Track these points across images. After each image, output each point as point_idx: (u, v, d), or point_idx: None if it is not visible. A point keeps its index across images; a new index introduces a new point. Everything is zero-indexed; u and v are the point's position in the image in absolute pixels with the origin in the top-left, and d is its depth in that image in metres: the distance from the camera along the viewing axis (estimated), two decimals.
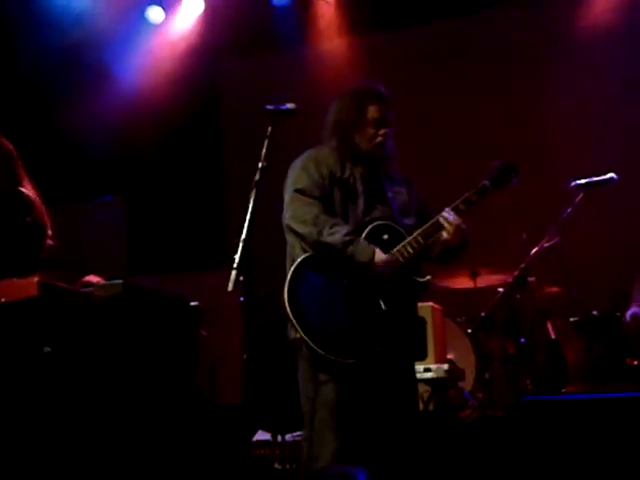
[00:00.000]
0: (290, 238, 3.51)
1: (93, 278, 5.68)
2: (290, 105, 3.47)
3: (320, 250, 3.39)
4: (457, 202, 3.49)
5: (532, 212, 6.16)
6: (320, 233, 3.37)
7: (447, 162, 6.56)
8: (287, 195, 3.51)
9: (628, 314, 4.71)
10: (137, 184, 7.97)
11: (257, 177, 3.28)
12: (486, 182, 3.56)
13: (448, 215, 3.44)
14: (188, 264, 7.44)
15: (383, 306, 3.39)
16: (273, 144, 3.37)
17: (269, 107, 3.39)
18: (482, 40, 7.02)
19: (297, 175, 3.53)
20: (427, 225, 3.48)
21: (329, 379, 3.32)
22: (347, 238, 3.37)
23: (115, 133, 7.62)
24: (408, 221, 3.57)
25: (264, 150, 3.33)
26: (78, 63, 7.36)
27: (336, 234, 3.36)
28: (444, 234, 3.45)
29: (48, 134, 7.47)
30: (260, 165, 3.30)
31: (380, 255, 3.37)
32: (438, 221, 3.46)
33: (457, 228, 3.42)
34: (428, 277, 3.51)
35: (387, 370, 3.41)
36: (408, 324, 3.50)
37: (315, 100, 3.86)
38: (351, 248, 3.36)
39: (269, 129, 3.38)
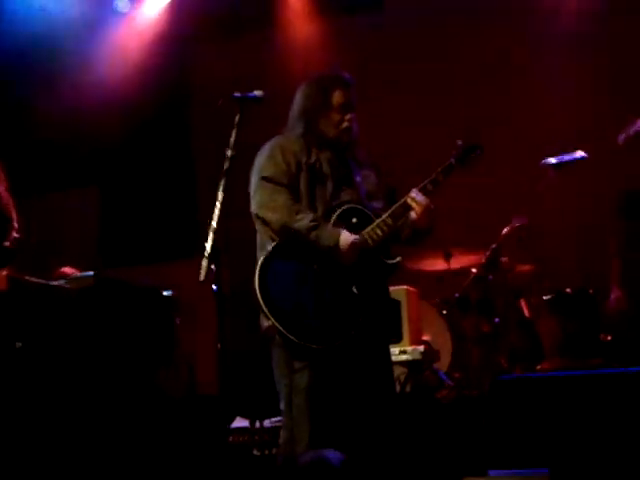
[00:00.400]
0: (258, 226, 3.50)
1: (68, 270, 5.64)
2: (258, 92, 3.46)
3: (287, 237, 3.38)
4: (424, 183, 3.49)
5: (503, 191, 6.18)
6: (286, 219, 3.36)
7: (416, 142, 6.54)
8: (253, 183, 3.50)
9: (612, 298, 4.73)
10: (108, 174, 7.93)
11: (226, 166, 3.28)
12: (452, 160, 3.57)
13: (416, 196, 3.45)
14: (161, 253, 7.42)
15: (355, 290, 3.39)
16: (242, 132, 3.36)
17: (236, 95, 3.38)
18: (453, 16, 6.99)
19: (263, 163, 3.51)
20: (395, 206, 3.48)
21: (303, 366, 3.32)
22: (312, 223, 3.36)
23: (85, 123, 7.55)
24: (376, 204, 3.57)
25: (232, 138, 3.33)
26: (47, 53, 7.30)
27: (302, 220, 3.36)
28: (412, 215, 3.46)
29: (18, 124, 7.40)
30: (229, 154, 3.30)
31: (346, 237, 3.37)
32: (406, 202, 3.46)
33: (426, 209, 3.43)
34: (398, 259, 3.52)
35: (362, 354, 3.42)
36: (381, 307, 3.51)
37: (284, 85, 3.84)
38: (315, 233, 3.35)
39: (237, 117, 3.37)
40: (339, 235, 3.37)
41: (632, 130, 4.59)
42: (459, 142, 3.63)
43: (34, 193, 7.47)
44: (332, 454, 1.46)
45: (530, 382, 2.83)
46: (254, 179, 3.50)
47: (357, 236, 3.40)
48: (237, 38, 7.69)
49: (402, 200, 3.49)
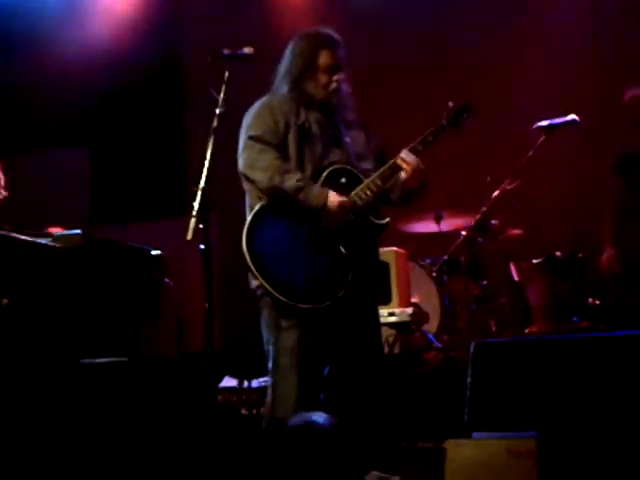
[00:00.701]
0: (246, 186, 3.47)
1: (55, 229, 5.62)
2: (247, 50, 3.41)
3: (274, 196, 3.35)
4: (414, 143, 3.46)
5: (495, 155, 6.16)
6: (273, 178, 3.32)
7: (409, 106, 6.50)
8: (241, 142, 3.45)
9: (604, 257, 4.72)
10: (100, 130, 7.87)
11: (215, 124, 3.25)
12: (443, 121, 3.54)
13: (406, 156, 3.42)
14: (151, 211, 7.40)
15: (343, 250, 3.38)
16: (233, 90, 3.32)
17: (226, 52, 3.33)
18: None
19: (251, 122, 3.47)
20: (385, 167, 3.46)
21: (291, 325, 3.32)
22: (300, 184, 3.33)
23: (77, 82, 7.50)
24: (366, 165, 3.54)
25: (222, 96, 3.29)
26: (40, 10, 7.22)
27: (289, 180, 3.32)
28: (403, 175, 3.44)
29: (10, 83, 7.34)
30: (218, 111, 3.26)
31: (334, 197, 3.34)
32: (396, 162, 3.44)
33: (415, 169, 3.40)
34: (387, 219, 3.50)
35: (351, 314, 3.41)
36: (369, 267, 3.50)
37: (277, 42, 3.78)
38: (303, 194, 3.32)
39: (226, 74, 3.33)
40: (327, 195, 3.34)
41: None
42: (450, 104, 3.60)
43: (25, 150, 7.45)
44: (322, 417, 1.44)
45: (513, 346, 2.83)
46: (242, 138, 3.46)
47: (345, 197, 3.37)
48: None
49: (392, 161, 3.47)
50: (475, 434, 2.59)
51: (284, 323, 3.33)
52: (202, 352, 3.18)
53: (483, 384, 2.70)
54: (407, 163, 3.41)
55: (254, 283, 3.38)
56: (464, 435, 2.69)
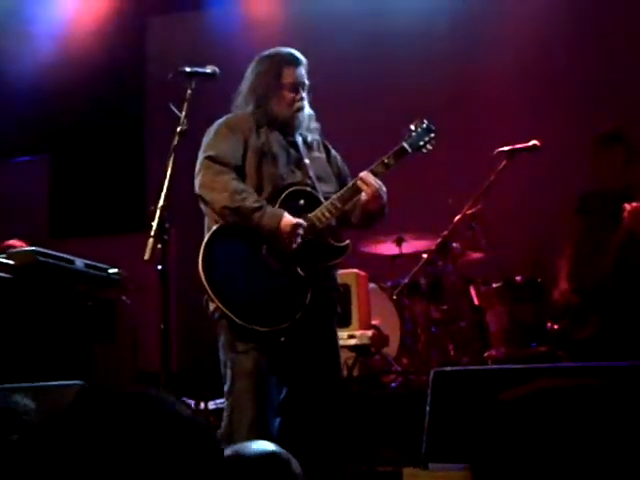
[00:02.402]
0: (203, 208, 3.42)
1: (16, 242, 5.49)
2: (210, 68, 3.38)
3: (229, 218, 3.30)
4: (374, 165, 3.44)
5: (457, 178, 6.17)
6: (228, 199, 3.27)
7: (369, 126, 6.51)
8: (198, 163, 3.40)
9: (559, 290, 4.75)
10: (58, 144, 7.78)
11: (175, 141, 3.20)
12: (403, 144, 3.53)
13: (366, 178, 3.40)
14: (110, 226, 7.31)
15: (301, 272, 3.33)
16: (195, 108, 3.28)
17: (186, 69, 3.29)
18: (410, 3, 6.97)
19: (209, 142, 3.43)
20: (345, 189, 3.43)
21: (248, 348, 3.26)
22: (255, 205, 3.28)
23: (37, 93, 7.41)
24: (326, 188, 3.51)
25: (183, 113, 3.25)
26: None
27: (245, 200, 3.27)
28: (363, 197, 3.41)
29: None
30: (178, 129, 3.22)
31: (287, 219, 3.29)
32: (356, 184, 3.42)
33: (375, 191, 3.38)
34: (347, 242, 3.47)
35: (308, 336, 3.37)
36: (328, 290, 3.46)
37: (242, 63, 3.76)
38: (258, 215, 3.27)
39: (188, 92, 3.29)
40: (281, 217, 3.29)
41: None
42: (412, 126, 3.59)
43: None
44: (260, 447, 1.40)
45: (473, 375, 2.80)
46: (199, 158, 3.41)
47: (300, 220, 3.33)
48: (194, 10, 7.57)
49: (351, 182, 3.45)
50: (432, 465, 2.55)
51: (240, 347, 3.27)
52: (158, 373, 3.12)
53: (442, 413, 2.67)
54: (367, 185, 3.38)
55: (211, 306, 3.33)
56: (421, 465, 2.65)
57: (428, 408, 2.72)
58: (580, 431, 1.20)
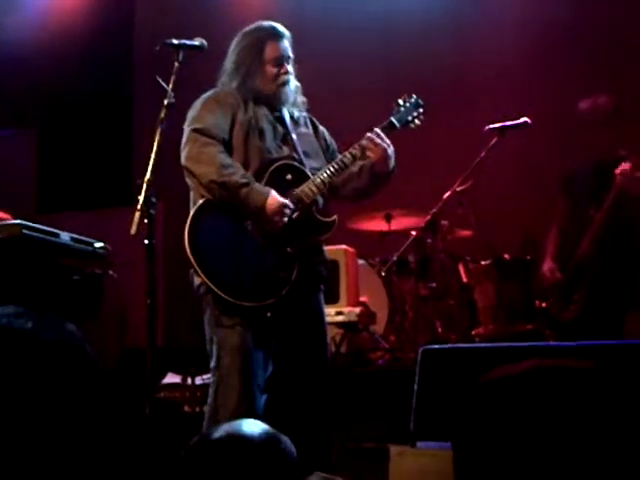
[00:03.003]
0: (188, 180, 3.38)
1: (0, 214, 5.46)
2: (198, 41, 3.33)
3: (215, 192, 3.25)
4: (375, 129, 3.39)
5: (447, 155, 6.15)
6: (215, 173, 3.22)
7: (361, 103, 6.45)
8: (185, 135, 3.36)
9: (545, 268, 4.75)
10: (45, 117, 7.70)
11: (162, 114, 3.16)
12: (392, 119, 3.50)
13: (375, 137, 3.33)
14: (97, 200, 7.25)
15: (288, 248, 3.30)
16: (183, 81, 3.24)
17: (173, 41, 3.24)
18: None
19: (196, 115, 3.38)
20: (335, 162, 3.39)
21: (234, 324, 3.24)
22: (243, 180, 3.25)
23: (22, 65, 7.32)
24: (314, 163, 3.48)
25: (170, 86, 3.20)
26: None
27: (232, 175, 3.24)
28: (371, 157, 3.35)
29: None
30: (165, 102, 3.18)
31: (273, 199, 3.25)
32: (362, 144, 3.35)
33: (385, 150, 3.33)
34: (334, 217, 3.43)
35: (295, 313, 3.35)
36: (315, 265, 3.43)
37: (231, 36, 3.70)
38: (245, 191, 3.23)
39: (175, 64, 3.25)
40: (267, 196, 3.25)
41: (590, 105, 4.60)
42: (400, 100, 3.56)
43: None
44: (251, 427, 1.36)
45: (462, 353, 2.79)
46: (185, 131, 3.37)
47: (286, 200, 3.28)
48: None
49: (348, 150, 3.40)
50: (420, 443, 2.54)
51: (226, 321, 3.25)
52: (145, 348, 3.10)
53: (430, 391, 2.65)
54: (376, 145, 3.34)
55: (197, 281, 3.30)
56: (409, 443, 2.64)
57: (416, 386, 2.71)
58: (569, 414, 1.19)
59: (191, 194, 3.40)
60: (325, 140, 3.64)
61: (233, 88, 3.44)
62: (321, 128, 3.66)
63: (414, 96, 3.59)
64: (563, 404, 1.19)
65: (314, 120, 3.65)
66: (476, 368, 2.79)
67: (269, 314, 3.26)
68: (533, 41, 6.52)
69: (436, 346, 2.85)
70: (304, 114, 3.60)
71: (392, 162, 3.40)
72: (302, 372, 3.38)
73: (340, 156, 3.41)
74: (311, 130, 3.59)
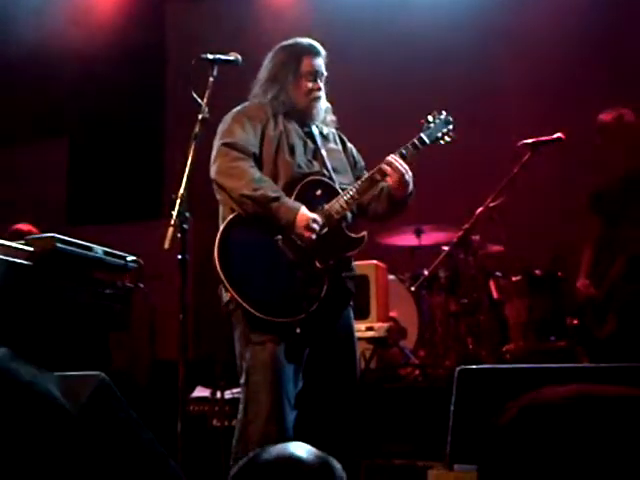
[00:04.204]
0: (218, 195, 3.37)
1: (24, 226, 5.47)
2: (233, 55, 3.35)
3: (245, 206, 3.25)
4: (392, 156, 3.39)
5: (478, 170, 6.12)
6: (246, 187, 3.22)
7: (387, 117, 6.44)
8: (215, 149, 3.35)
9: (579, 284, 4.71)
10: (78, 128, 7.77)
11: (196, 129, 3.17)
12: (422, 135, 3.49)
13: (393, 162, 3.33)
14: (127, 213, 7.30)
15: (318, 264, 3.29)
16: (216, 95, 3.25)
17: (209, 56, 3.26)
18: None
19: (227, 129, 3.38)
20: (363, 180, 3.39)
21: (264, 340, 3.22)
22: (274, 194, 3.24)
23: (56, 78, 7.39)
24: (343, 179, 3.47)
25: (205, 100, 3.22)
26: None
27: (263, 190, 3.23)
28: (389, 181, 3.35)
29: None
30: (200, 116, 3.19)
31: (303, 215, 3.24)
32: (375, 175, 3.36)
33: (402, 176, 3.33)
34: (363, 233, 3.42)
35: (324, 328, 3.33)
36: (344, 281, 3.41)
37: (260, 51, 3.72)
38: (275, 205, 3.22)
39: (210, 79, 3.26)
40: (298, 211, 3.24)
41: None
42: (429, 117, 3.55)
43: (1, 144, 7.34)
44: (303, 450, 1.34)
45: (500, 373, 2.75)
46: (216, 145, 3.36)
47: (316, 215, 3.28)
48: None
49: (370, 173, 3.40)
50: (457, 466, 2.50)
51: (256, 338, 3.23)
52: (175, 361, 3.10)
53: (467, 413, 2.61)
54: (393, 169, 3.33)
55: (226, 296, 3.29)
56: (445, 465, 2.61)
57: (452, 407, 2.67)
58: (616, 446, 1.15)
59: (220, 209, 3.40)
60: (353, 157, 3.64)
61: (266, 100, 3.45)
62: (349, 145, 3.66)
63: (444, 112, 3.58)
64: (610, 435, 1.16)
65: (343, 137, 3.65)
66: (515, 389, 2.76)
67: (298, 330, 3.24)
68: (565, 57, 6.48)
69: (474, 366, 2.81)
70: (333, 130, 3.60)
71: (410, 187, 3.39)
72: (331, 388, 3.36)
73: (363, 178, 3.40)
74: (340, 146, 3.59)
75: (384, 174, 3.35)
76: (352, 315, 3.52)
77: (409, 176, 3.36)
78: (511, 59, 6.60)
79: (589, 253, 4.73)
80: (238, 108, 3.48)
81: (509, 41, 6.66)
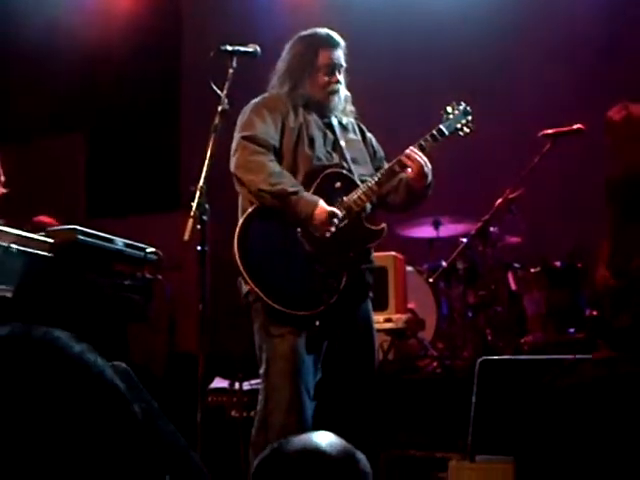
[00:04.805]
0: (238, 188, 3.38)
1: (45, 218, 5.50)
2: (252, 47, 3.34)
3: (264, 200, 3.25)
4: (411, 148, 3.38)
5: (497, 161, 6.09)
6: (265, 181, 3.21)
7: (409, 111, 6.42)
8: (235, 142, 3.35)
9: (598, 274, 4.68)
10: (95, 122, 7.79)
11: (216, 121, 3.17)
12: (441, 127, 3.48)
13: (412, 154, 3.33)
14: (143, 205, 7.32)
15: (336, 256, 3.27)
16: (235, 87, 3.25)
17: (228, 47, 3.25)
18: None
19: (246, 121, 3.37)
20: (382, 171, 3.38)
21: (283, 332, 3.23)
22: (293, 189, 3.23)
23: (73, 71, 7.42)
24: (362, 170, 3.46)
25: (224, 92, 3.21)
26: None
27: (282, 184, 3.22)
28: (409, 173, 3.35)
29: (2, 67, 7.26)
30: (220, 108, 3.18)
31: (321, 208, 3.24)
32: (395, 165, 3.35)
33: (421, 167, 3.32)
34: (383, 225, 3.41)
35: (343, 321, 3.33)
36: (363, 274, 3.40)
37: (277, 43, 3.71)
38: (294, 199, 3.21)
39: (230, 71, 3.26)
40: (316, 205, 3.24)
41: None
42: (448, 108, 3.54)
43: (19, 138, 7.37)
44: (327, 442, 1.33)
45: (522, 364, 2.74)
46: (235, 137, 3.36)
47: (334, 209, 3.27)
48: None
49: (390, 164, 3.39)
50: (479, 457, 2.50)
51: (275, 331, 3.24)
52: (193, 353, 3.11)
53: (488, 404, 2.61)
54: (412, 161, 3.32)
55: (245, 288, 3.30)
56: (466, 456, 2.60)
57: (474, 399, 2.67)
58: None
59: (240, 201, 3.40)
60: (373, 147, 3.63)
61: (284, 92, 3.44)
62: (369, 135, 3.65)
63: (462, 103, 3.57)
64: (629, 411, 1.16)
65: (362, 127, 3.64)
66: (535, 380, 2.76)
67: (317, 322, 3.24)
68: (583, 50, 6.44)
69: (495, 357, 2.80)
70: (352, 120, 3.59)
71: (429, 179, 3.38)
72: (350, 380, 3.36)
73: (383, 169, 3.39)
74: (359, 137, 3.58)
75: (404, 166, 3.35)
76: (371, 307, 3.51)
77: (428, 168, 3.35)
78: (533, 49, 6.55)
79: (608, 243, 4.70)
80: (257, 99, 3.47)
81: (531, 32, 6.61)
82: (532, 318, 5.33)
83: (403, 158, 3.34)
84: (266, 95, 3.49)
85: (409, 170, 3.35)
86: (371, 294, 3.50)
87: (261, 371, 3.32)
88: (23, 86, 7.41)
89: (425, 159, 3.34)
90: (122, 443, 0.94)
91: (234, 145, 3.34)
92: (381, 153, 3.64)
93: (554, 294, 5.28)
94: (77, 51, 7.34)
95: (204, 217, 3.04)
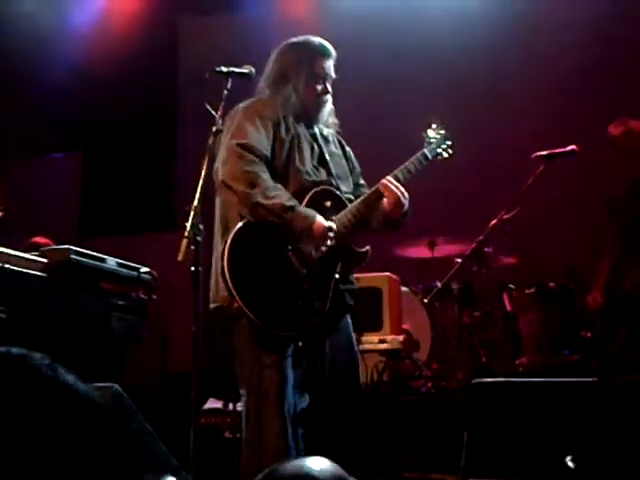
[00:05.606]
0: (225, 196, 3.23)
1: (40, 239, 5.50)
2: (247, 68, 3.32)
3: (259, 214, 3.16)
4: (397, 171, 3.36)
5: (489, 182, 6.11)
6: (261, 195, 3.13)
7: (395, 128, 6.44)
8: (225, 148, 3.22)
9: (590, 296, 4.69)
10: (91, 141, 7.81)
11: (210, 141, 3.15)
12: (425, 151, 3.47)
13: (388, 184, 3.30)
14: (138, 225, 7.32)
15: (323, 277, 3.23)
16: (230, 108, 3.25)
17: (223, 69, 3.24)
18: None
19: (239, 127, 3.26)
20: (369, 193, 3.34)
21: (273, 361, 3.16)
22: (289, 204, 3.16)
23: (69, 91, 7.44)
24: (344, 187, 3.42)
25: (219, 113, 3.19)
26: (33, 18, 7.18)
27: (277, 198, 3.15)
28: (384, 202, 3.33)
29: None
30: (214, 129, 3.16)
31: (320, 223, 3.19)
32: (379, 189, 3.34)
33: (398, 199, 3.29)
34: (367, 247, 3.38)
35: (324, 339, 3.29)
36: (343, 294, 3.35)
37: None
38: (290, 214, 3.15)
39: (224, 92, 3.24)
40: (314, 219, 3.19)
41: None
42: (430, 132, 3.55)
43: (15, 157, 7.38)
44: (320, 467, 1.31)
45: (515, 387, 2.72)
46: (227, 144, 3.22)
47: (331, 223, 3.22)
48: (225, 13, 7.56)
49: (366, 195, 3.34)
50: (472, 479, 2.48)
51: (266, 360, 3.17)
52: (186, 373, 3.09)
53: (481, 426, 2.59)
54: (389, 191, 3.31)
55: (233, 305, 3.25)
56: (460, 478, 2.59)
57: (467, 421, 2.65)
58: None
59: (219, 210, 3.32)
60: (352, 162, 3.59)
61: (276, 100, 3.36)
62: (348, 149, 3.60)
63: (442, 129, 3.59)
64: None
65: (341, 140, 3.61)
66: (529, 403, 2.74)
67: (300, 343, 3.22)
68: (579, 68, 6.47)
69: (487, 380, 2.79)
70: (332, 132, 3.54)
71: (405, 207, 3.35)
72: (335, 397, 3.31)
73: (360, 198, 3.36)
74: (340, 151, 3.54)
75: (380, 196, 3.32)
76: (351, 325, 3.47)
77: (405, 198, 3.32)
78: (526, 71, 6.59)
79: (605, 265, 4.71)
80: (247, 103, 3.37)
81: (525, 52, 6.65)
82: (527, 339, 5.33)
83: (380, 187, 3.33)
84: (254, 99, 3.41)
85: (385, 200, 3.33)
86: (350, 314, 3.46)
87: (245, 393, 3.27)
88: (18, 106, 7.42)
89: (402, 189, 3.31)
90: (95, 462, 0.95)
91: (225, 152, 3.21)
92: (358, 169, 3.60)
93: (549, 315, 5.28)
94: (72, 70, 7.36)
95: (198, 238, 3.01)
